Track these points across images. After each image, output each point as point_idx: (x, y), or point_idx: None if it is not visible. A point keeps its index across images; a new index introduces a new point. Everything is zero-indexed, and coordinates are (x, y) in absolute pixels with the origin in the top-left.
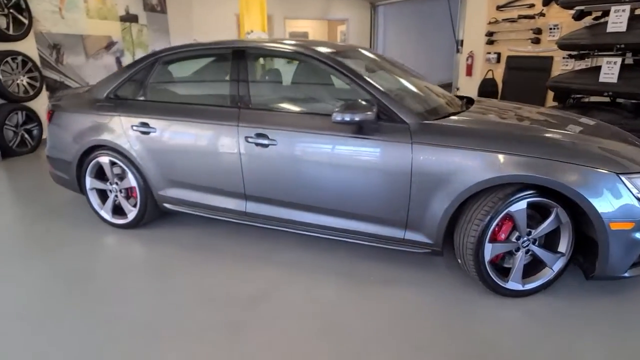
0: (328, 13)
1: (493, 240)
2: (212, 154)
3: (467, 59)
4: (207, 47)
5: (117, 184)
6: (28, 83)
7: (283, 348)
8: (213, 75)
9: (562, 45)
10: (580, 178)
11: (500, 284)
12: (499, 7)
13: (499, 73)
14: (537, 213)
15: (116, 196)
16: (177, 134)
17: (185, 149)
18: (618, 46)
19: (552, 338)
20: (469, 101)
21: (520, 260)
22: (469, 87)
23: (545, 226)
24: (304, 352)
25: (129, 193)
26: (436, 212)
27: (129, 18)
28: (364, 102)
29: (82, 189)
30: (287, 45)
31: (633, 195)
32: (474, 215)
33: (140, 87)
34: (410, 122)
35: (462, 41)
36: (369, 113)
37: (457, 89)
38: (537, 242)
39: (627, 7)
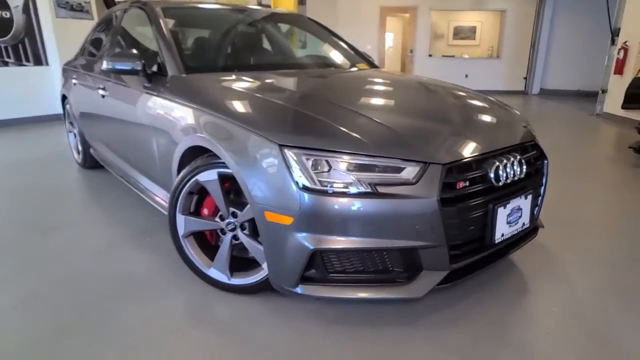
0: (482, 4)
1: (193, 213)
2: (90, 99)
3: (617, 52)
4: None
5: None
6: None
7: None
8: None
9: None
10: (235, 142)
11: (201, 269)
12: None
13: None
14: None
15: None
16: (80, 84)
17: (81, 95)
18: None
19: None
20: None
21: (224, 245)
22: (617, 88)
23: (249, 208)
24: None
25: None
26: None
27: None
28: (132, 53)
29: None
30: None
31: (292, 179)
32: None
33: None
34: (170, 74)
35: (618, 30)
36: (134, 62)
37: (603, 91)
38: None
39: None
